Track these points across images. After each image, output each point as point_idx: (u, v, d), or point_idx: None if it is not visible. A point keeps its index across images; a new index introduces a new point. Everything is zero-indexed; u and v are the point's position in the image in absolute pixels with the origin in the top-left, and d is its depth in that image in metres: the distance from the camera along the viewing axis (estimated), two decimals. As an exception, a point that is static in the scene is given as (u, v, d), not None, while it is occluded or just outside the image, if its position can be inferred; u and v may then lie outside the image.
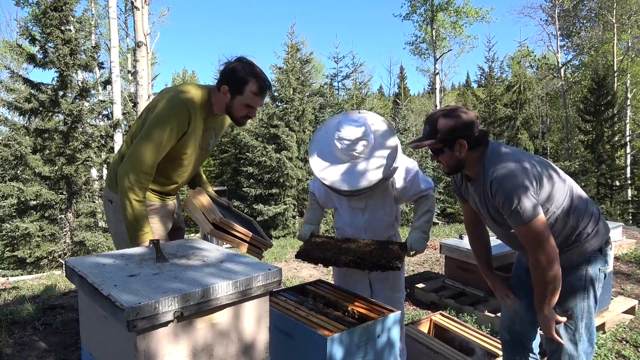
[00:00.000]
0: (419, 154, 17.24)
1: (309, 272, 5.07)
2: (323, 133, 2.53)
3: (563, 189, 2.01)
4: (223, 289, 1.44)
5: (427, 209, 2.48)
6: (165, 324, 1.34)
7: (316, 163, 2.45)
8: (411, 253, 2.36)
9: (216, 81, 2.27)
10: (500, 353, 2.68)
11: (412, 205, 2.64)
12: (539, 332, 2.28)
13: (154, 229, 2.24)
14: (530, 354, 2.31)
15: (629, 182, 19.17)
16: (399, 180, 2.46)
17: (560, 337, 2.04)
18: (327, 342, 1.83)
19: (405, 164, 2.50)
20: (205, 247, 1.86)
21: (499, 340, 2.86)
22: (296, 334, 2.01)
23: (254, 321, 1.58)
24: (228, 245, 2.73)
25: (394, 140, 2.41)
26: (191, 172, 2.44)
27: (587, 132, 19.23)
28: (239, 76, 2.18)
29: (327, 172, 2.39)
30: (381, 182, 2.36)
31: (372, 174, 2.32)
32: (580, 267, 2.03)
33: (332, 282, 2.69)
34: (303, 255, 2.41)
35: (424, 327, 3.09)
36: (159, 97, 2.23)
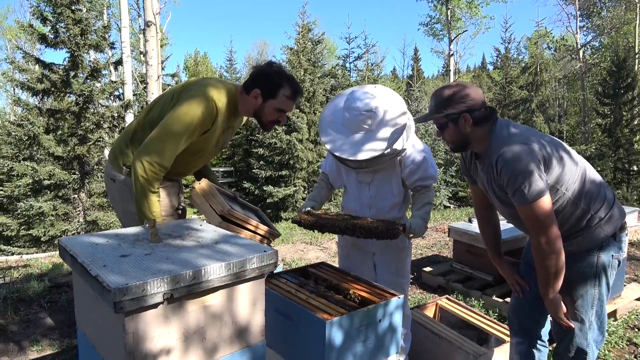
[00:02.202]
0: (432, 137, 17.00)
1: (316, 254, 5.04)
2: (336, 103, 2.50)
3: (575, 171, 1.93)
4: (215, 271, 1.40)
5: (428, 201, 2.44)
6: (155, 305, 1.30)
7: (325, 131, 2.41)
8: (410, 235, 2.31)
9: (245, 83, 2.22)
10: (507, 339, 2.62)
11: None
12: (549, 319, 2.22)
13: (162, 205, 2.21)
14: (539, 341, 2.24)
15: (647, 167, 18.75)
16: (407, 160, 2.40)
17: (570, 322, 1.98)
18: (326, 325, 1.79)
19: (417, 145, 2.44)
20: (201, 228, 1.82)
21: (506, 326, 2.80)
22: (296, 317, 1.97)
23: (248, 304, 1.54)
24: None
25: (404, 117, 2.34)
26: (200, 165, 2.43)
27: (605, 115, 18.80)
28: (273, 80, 2.15)
29: (333, 140, 2.35)
30: (386, 157, 2.30)
31: (376, 146, 2.27)
32: (592, 253, 1.96)
33: (336, 265, 2.64)
34: (298, 220, 2.37)
35: (430, 312, 3.04)
36: (185, 87, 2.18)
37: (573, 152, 2.00)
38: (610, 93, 18.46)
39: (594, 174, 1.99)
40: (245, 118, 2.48)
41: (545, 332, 2.26)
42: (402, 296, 2.09)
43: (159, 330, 1.33)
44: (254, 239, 2.22)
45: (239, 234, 2.18)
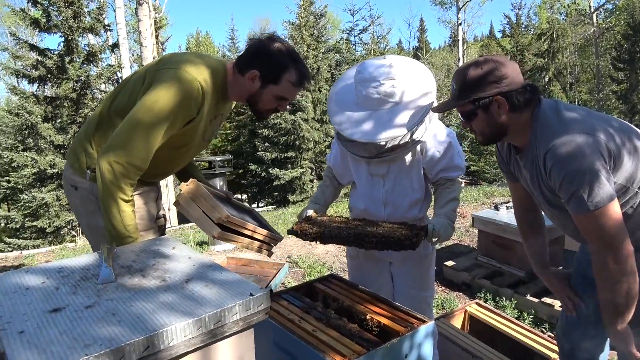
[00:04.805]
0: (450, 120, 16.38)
1: (325, 248, 4.63)
2: (345, 79, 2.11)
3: None
4: (179, 333, 0.99)
5: (454, 196, 1.99)
6: (88, 394, 0.90)
7: (335, 113, 2.01)
8: (434, 239, 1.87)
9: (238, 61, 1.77)
10: (554, 355, 2.22)
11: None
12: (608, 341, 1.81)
13: (137, 217, 1.79)
14: (597, 368, 1.84)
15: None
16: (430, 147, 1.96)
17: None
18: (338, 373, 1.40)
19: (441, 129, 2.01)
20: (173, 254, 1.40)
21: (548, 337, 2.40)
22: (300, 357, 1.57)
23: (232, 366, 1.14)
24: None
25: (428, 95, 1.91)
26: (185, 163, 2.02)
27: (620, 81, 18.12)
28: (277, 61, 1.72)
29: (348, 123, 1.93)
30: (409, 141, 1.89)
31: (398, 125, 1.85)
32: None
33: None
34: (295, 230, 1.97)
35: (457, 321, 2.64)
36: (160, 65, 1.73)
37: None
38: (625, 58, 17.80)
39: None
40: (233, 104, 2.05)
41: (604, 357, 1.86)
42: (432, 322, 1.69)
43: (101, 423, 0.94)
44: (252, 246, 1.85)
45: (237, 242, 1.81)
